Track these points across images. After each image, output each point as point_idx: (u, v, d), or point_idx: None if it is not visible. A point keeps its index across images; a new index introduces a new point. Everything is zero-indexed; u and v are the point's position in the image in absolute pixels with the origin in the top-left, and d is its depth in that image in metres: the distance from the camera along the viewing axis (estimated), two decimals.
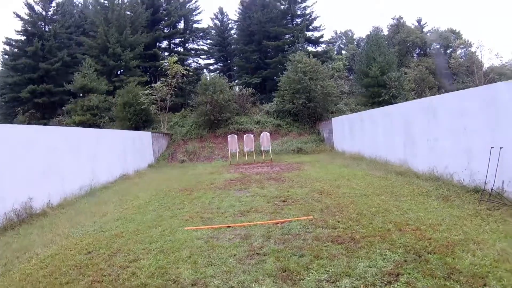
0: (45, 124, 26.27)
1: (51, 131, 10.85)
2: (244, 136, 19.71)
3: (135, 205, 8.78)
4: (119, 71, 32.18)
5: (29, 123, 26.17)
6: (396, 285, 3.71)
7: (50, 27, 32.78)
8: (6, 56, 33.25)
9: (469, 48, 36.94)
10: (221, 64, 41.77)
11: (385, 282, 3.80)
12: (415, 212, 6.25)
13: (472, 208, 6.18)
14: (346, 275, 4.03)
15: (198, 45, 41.17)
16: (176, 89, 26.41)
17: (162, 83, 25.28)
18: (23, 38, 32.33)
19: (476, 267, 3.92)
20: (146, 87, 25.75)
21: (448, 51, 38.56)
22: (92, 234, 6.39)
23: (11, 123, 24.60)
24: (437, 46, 39.58)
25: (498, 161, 6.51)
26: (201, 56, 41.39)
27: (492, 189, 6.50)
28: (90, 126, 23.63)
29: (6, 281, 4.45)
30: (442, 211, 6.17)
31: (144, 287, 4.09)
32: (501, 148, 6.50)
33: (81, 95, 28.33)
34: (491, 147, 6.68)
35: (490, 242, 4.55)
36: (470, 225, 5.29)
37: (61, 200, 9.42)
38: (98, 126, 24.58)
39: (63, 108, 28.90)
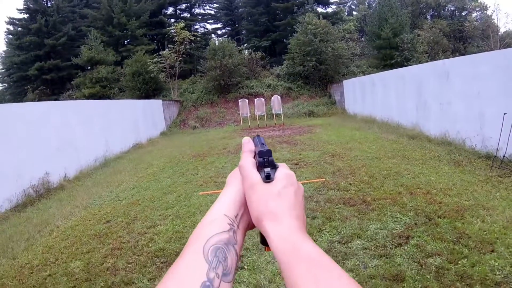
0: (55, 99, 26.37)
1: (63, 106, 10.99)
2: (255, 100, 19.59)
3: (150, 173, 8.96)
4: (125, 41, 31.84)
5: (39, 100, 26.24)
6: (406, 247, 3.81)
7: (53, 2, 32.31)
8: (11, 36, 33.08)
9: (485, 11, 35.59)
10: (229, 28, 41.03)
11: (396, 244, 3.91)
12: (427, 176, 6.29)
13: (483, 174, 6.17)
14: (357, 237, 4.15)
15: (204, 9, 40.39)
16: (184, 56, 26.17)
17: (170, 50, 25.04)
18: (26, 16, 32.05)
19: (485, 232, 3.96)
20: (154, 55, 25.56)
21: (463, 14, 37.20)
22: (110, 204, 6.59)
23: (22, 102, 24.76)
24: (452, 8, 38.19)
25: (511, 128, 6.43)
26: (208, 21, 40.70)
27: (504, 156, 6.43)
28: (100, 98, 23.71)
29: (30, 255, 4.65)
30: (453, 176, 6.19)
31: (162, 251, 4.27)
32: None
33: (89, 68, 28.27)
34: (504, 113, 6.56)
35: (500, 209, 4.58)
36: (480, 191, 5.31)
37: (77, 172, 9.64)
38: (108, 98, 24.66)
39: (72, 82, 28.89)
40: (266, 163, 0.60)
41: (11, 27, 32.82)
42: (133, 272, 3.91)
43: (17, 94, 32.92)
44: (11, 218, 6.50)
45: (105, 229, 5.24)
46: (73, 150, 9.87)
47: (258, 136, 0.72)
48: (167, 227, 5.03)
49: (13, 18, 32.12)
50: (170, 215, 5.52)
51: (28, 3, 31.46)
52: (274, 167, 0.60)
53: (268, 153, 0.61)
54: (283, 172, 0.59)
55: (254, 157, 0.64)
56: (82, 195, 7.51)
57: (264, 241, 0.56)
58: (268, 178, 0.58)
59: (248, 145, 0.67)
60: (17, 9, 32.13)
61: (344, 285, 0.43)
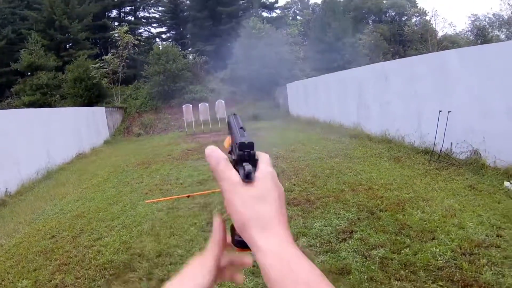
0: None
1: (1, 115, 10.35)
2: (199, 105, 19.43)
3: (94, 184, 8.69)
4: (67, 45, 30.45)
5: None
6: (350, 242, 3.99)
7: None
8: None
9: (424, 17, 37.75)
10: (173, 32, 40.41)
11: (340, 239, 4.08)
12: (368, 173, 6.60)
13: (422, 168, 6.60)
14: (302, 235, 4.29)
15: (149, 13, 39.65)
16: (128, 61, 25.55)
17: (113, 55, 24.36)
18: None
19: (425, 222, 4.24)
20: (97, 60, 24.75)
21: (403, 19, 39.24)
22: (54, 218, 6.33)
23: None
24: (393, 13, 40.17)
25: (446, 124, 6.93)
26: (152, 25, 39.92)
27: (441, 150, 6.93)
28: (41, 106, 22.43)
29: None
30: (394, 171, 6.55)
31: (111, 263, 4.17)
32: (449, 112, 6.90)
33: (29, 73, 26.73)
34: (440, 111, 7.07)
35: (439, 199, 4.92)
36: (420, 184, 5.68)
37: (18, 187, 9.12)
38: (50, 105, 23.41)
39: (11, 89, 27.16)
40: (246, 157, 0.51)
41: None
42: (82, 287, 3.81)
43: None
44: None
45: (51, 245, 5.02)
46: (13, 162, 9.31)
47: (234, 114, 0.63)
48: (114, 238, 4.92)
49: None
50: (116, 226, 5.40)
51: None
52: (255, 163, 0.52)
53: (250, 146, 0.52)
54: (265, 171, 0.52)
55: (231, 151, 0.57)
56: (25, 210, 7.15)
57: (238, 242, 0.51)
58: (248, 178, 0.49)
59: (217, 155, 0.54)
60: None
61: None
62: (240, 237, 0.49)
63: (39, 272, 4.24)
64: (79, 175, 10.08)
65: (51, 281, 4.01)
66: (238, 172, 0.51)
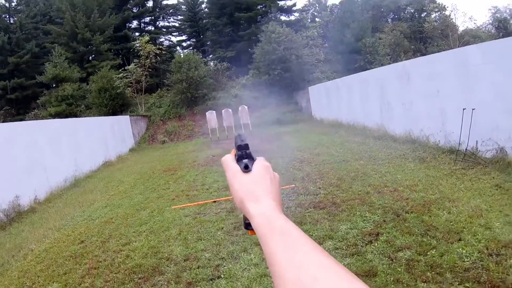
0: (21, 119, 25.41)
1: (29, 126, 10.70)
2: (223, 111, 19.57)
3: (121, 190, 8.87)
4: (90, 57, 31.23)
5: (4, 121, 25.28)
6: (376, 244, 3.96)
7: (15, 18, 31.34)
8: None
9: (443, 12, 37.11)
10: (194, 40, 40.93)
11: (366, 242, 4.06)
12: (393, 175, 6.52)
13: (447, 168, 6.47)
14: (329, 238, 4.28)
15: (169, 22, 40.28)
16: (150, 70, 26.01)
17: (135, 65, 24.88)
18: None
19: (451, 223, 4.17)
20: (120, 70, 25.29)
21: (422, 15, 38.68)
22: (83, 224, 6.48)
23: None
24: (411, 10, 39.64)
25: (471, 122, 6.78)
26: (173, 34, 40.54)
27: (466, 149, 6.78)
28: (66, 116, 23.10)
29: (5, 281, 4.54)
30: (419, 172, 6.45)
31: (139, 267, 4.26)
32: (473, 109, 6.75)
33: (54, 85, 27.56)
34: (464, 109, 6.93)
35: (465, 199, 4.81)
36: (445, 185, 5.57)
37: (47, 194, 9.41)
38: (75, 116, 24.08)
39: (37, 101, 28.03)
40: (244, 155, 0.69)
41: None
42: None
43: None
44: None
45: (80, 250, 5.17)
46: (42, 171, 9.64)
47: (239, 134, 0.80)
48: (142, 243, 5.02)
49: None
50: (144, 231, 5.51)
51: None
52: (252, 159, 0.69)
53: (246, 146, 0.71)
54: (260, 164, 0.69)
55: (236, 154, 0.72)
56: (54, 216, 7.35)
57: (247, 225, 0.64)
58: (246, 168, 0.67)
59: (226, 156, 0.74)
60: None
61: (309, 250, 0.51)
62: (247, 220, 0.63)
63: (69, 276, 4.36)
64: (106, 183, 10.31)
65: (80, 284, 4.12)
66: (240, 165, 0.68)
